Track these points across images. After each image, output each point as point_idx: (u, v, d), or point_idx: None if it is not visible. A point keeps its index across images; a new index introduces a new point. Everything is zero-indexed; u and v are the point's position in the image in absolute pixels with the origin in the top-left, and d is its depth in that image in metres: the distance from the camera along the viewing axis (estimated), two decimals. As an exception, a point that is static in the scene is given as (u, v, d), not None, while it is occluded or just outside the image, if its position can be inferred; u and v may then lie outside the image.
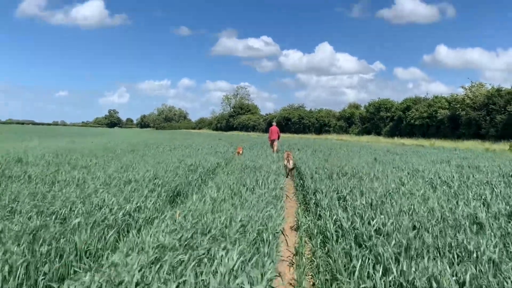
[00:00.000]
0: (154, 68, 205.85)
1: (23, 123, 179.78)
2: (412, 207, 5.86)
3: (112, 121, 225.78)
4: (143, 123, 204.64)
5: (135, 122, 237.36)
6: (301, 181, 9.92)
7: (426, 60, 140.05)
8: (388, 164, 12.53)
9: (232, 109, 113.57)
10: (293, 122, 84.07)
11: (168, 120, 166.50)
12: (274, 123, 22.33)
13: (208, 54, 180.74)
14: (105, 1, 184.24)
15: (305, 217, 6.42)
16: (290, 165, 12.04)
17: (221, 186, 7.44)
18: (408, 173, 9.63)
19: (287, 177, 11.18)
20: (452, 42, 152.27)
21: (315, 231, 5.36)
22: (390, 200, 6.41)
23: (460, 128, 46.47)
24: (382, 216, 5.21)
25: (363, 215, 5.40)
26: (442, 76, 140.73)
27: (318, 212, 6.30)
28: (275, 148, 20.68)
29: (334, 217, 5.51)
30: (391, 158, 15.02)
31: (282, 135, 27.94)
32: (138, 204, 5.82)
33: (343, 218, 5.30)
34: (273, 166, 10.84)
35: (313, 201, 7.08)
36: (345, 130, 72.13)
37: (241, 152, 19.18)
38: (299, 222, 6.13)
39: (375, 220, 5.06)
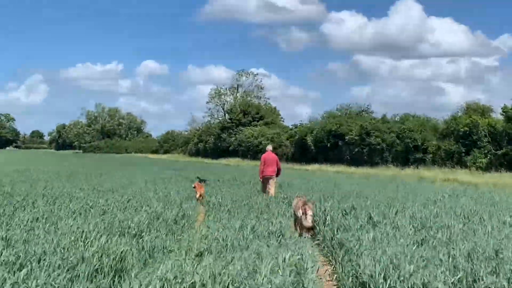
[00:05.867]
0: (91, 47, 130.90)
1: None
2: None
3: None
4: (62, 141, 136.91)
5: (47, 138, 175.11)
6: None
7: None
8: None
9: (227, 115, 72.16)
10: (349, 142, 55.64)
11: (108, 135, 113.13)
12: (269, 148, 14.88)
13: (195, 17, 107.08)
14: None
15: None
16: (309, 222, 7.80)
17: None
18: None
19: (300, 236, 7.51)
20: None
21: None
22: None
23: None
24: None
25: None
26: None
27: None
28: (272, 191, 13.45)
29: None
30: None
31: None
32: None
33: None
34: None
35: None
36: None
37: (203, 192, 12.60)
38: None
39: None
